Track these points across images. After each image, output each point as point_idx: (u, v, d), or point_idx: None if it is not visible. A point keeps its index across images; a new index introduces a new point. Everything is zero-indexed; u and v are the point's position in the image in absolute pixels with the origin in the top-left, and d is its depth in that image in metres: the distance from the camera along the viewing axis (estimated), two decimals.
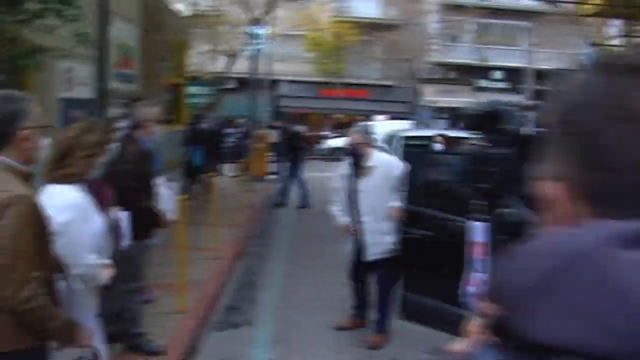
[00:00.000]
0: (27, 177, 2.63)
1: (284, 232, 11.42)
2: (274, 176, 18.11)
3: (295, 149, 14.77)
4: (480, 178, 5.23)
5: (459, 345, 1.04)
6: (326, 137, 33.49)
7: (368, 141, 6.08)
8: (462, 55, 35.73)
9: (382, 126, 16.97)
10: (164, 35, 11.07)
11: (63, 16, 4.49)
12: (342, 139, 30.63)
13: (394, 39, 33.44)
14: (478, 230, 1.64)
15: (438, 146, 7.84)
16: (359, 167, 6.02)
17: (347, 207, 6.10)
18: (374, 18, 34.79)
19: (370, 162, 5.95)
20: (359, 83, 35.57)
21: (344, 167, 6.27)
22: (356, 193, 6.02)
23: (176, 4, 17.96)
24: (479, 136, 6.21)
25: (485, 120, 6.02)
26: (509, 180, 4.44)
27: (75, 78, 7.67)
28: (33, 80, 6.93)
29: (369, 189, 5.92)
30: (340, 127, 35.76)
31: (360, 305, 6.38)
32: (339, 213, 6.22)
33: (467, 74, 35.63)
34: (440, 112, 35.85)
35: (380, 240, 5.89)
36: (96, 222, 3.44)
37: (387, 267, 6.02)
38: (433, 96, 35.22)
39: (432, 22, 34.72)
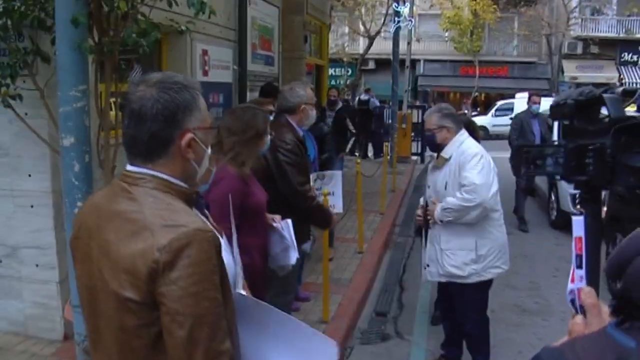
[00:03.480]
0: (189, 200, 1.60)
1: None
2: (416, 157, 16.81)
3: None
4: (578, 170, 4.54)
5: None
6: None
7: (446, 125, 4.24)
8: (606, 28, 32.42)
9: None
10: (304, 17, 10.06)
11: None
12: (483, 117, 29.04)
13: (533, 14, 31.09)
14: (578, 224, 0.92)
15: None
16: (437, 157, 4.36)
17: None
18: None
19: (445, 153, 4.22)
20: (498, 60, 33.39)
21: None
22: (424, 189, 4.56)
23: None
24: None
25: (580, 109, 4.82)
26: (605, 172, 3.91)
27: (213, 61, 6.76)
28: (168, 64, 6.12)
29: (435, 188, 4.28)
30: (480, 105, 33.79)
31: (448, 343, 4.67)
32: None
33: (611, 48, 32.33)
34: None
35: (439, 258, 4.22)
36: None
37: (462, 296, 4.25)
38: (574, 72, 32.39)
39: None
